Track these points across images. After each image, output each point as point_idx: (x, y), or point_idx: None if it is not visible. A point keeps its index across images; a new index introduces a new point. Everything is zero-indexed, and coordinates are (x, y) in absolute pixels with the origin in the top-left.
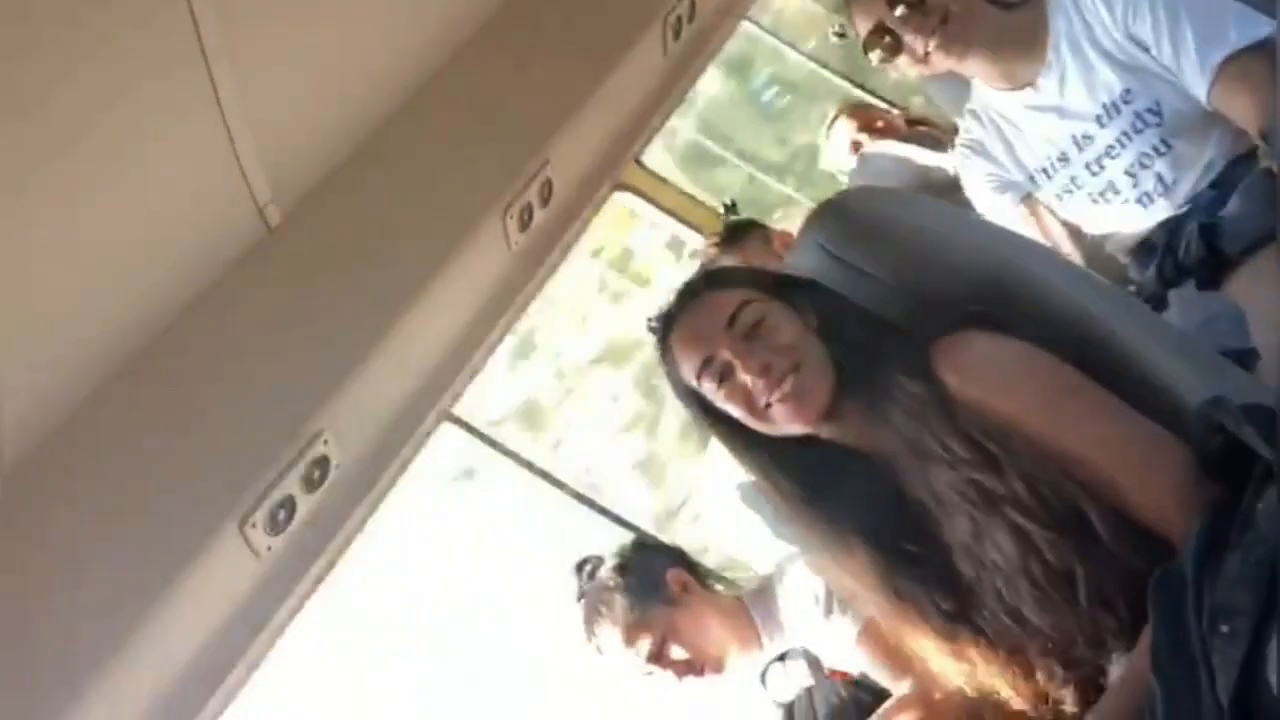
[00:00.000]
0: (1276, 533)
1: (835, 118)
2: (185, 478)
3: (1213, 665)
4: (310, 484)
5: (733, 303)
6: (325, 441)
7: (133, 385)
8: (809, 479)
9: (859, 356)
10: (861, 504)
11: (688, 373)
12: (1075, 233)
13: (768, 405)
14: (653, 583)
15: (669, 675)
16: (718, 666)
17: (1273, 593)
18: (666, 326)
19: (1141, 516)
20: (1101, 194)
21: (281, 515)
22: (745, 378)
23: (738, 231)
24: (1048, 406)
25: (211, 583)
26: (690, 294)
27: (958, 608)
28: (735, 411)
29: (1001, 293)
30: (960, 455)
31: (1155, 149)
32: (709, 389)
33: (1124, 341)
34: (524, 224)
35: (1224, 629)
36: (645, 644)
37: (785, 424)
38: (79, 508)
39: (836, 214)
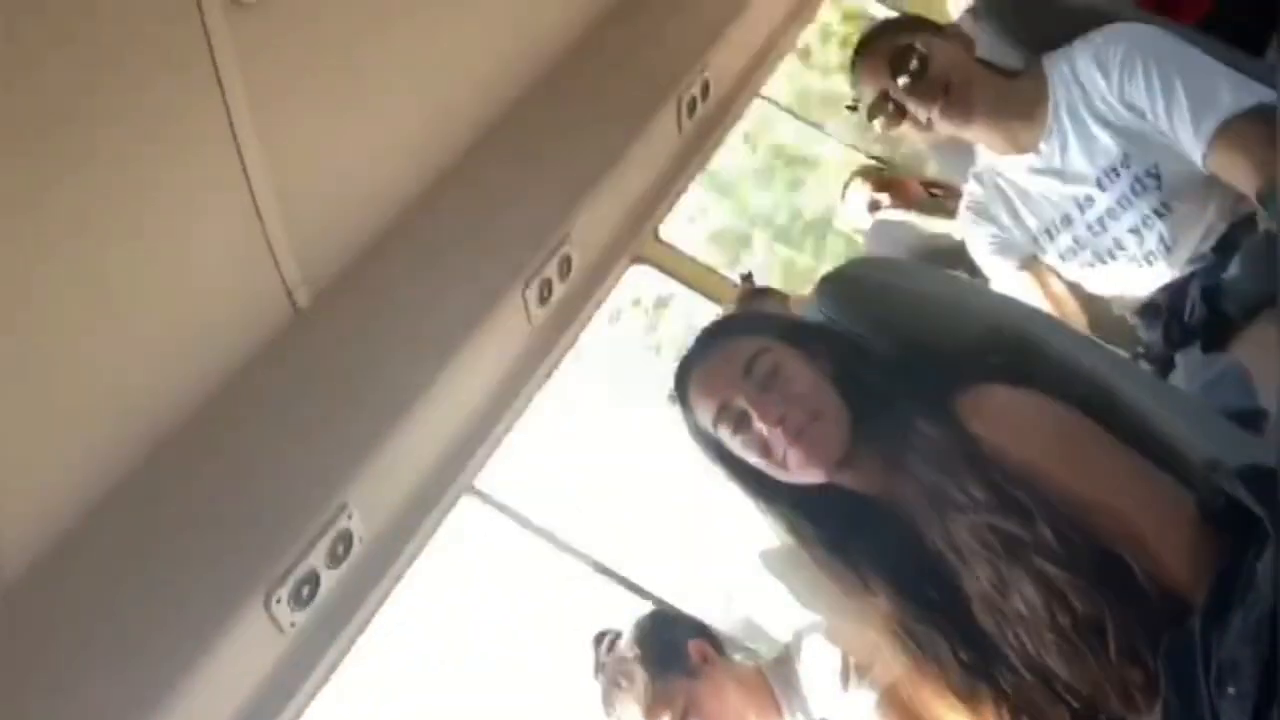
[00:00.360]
0: (1273, 591)
1: (851, 179)
2: (211, 555)
3: None
4: (335, 559)
5: (749, 351)
6: (350, 516)
7: (161, 465)
8: (830, 526)
9: (876, 403)
10: (883, 552)
11: (705, 420)
12: (1080, 294)
13: (784, 454)
14: (673, 654)
15: None
16: None
17: (1274, 651)
18: (684, 372)
19: (1159, 566)
20: (1105, 255)
21: (305, 591)
22: (761, 427)
23: (755, 297)
24: (1074, 455)
25: (237, 659)
26: (708, 340)
27: (979, 660)
28: (752, 460)
29: (1006, 356)
30: (983, 501)
31: (1155, 211)
32: (725, 436)
33: (1129, 404)
34: (543, 298)
35: (1230, 690)
36: (666, 717)
37: (802, 473)
38: (106, 589)
39: (838, 285)
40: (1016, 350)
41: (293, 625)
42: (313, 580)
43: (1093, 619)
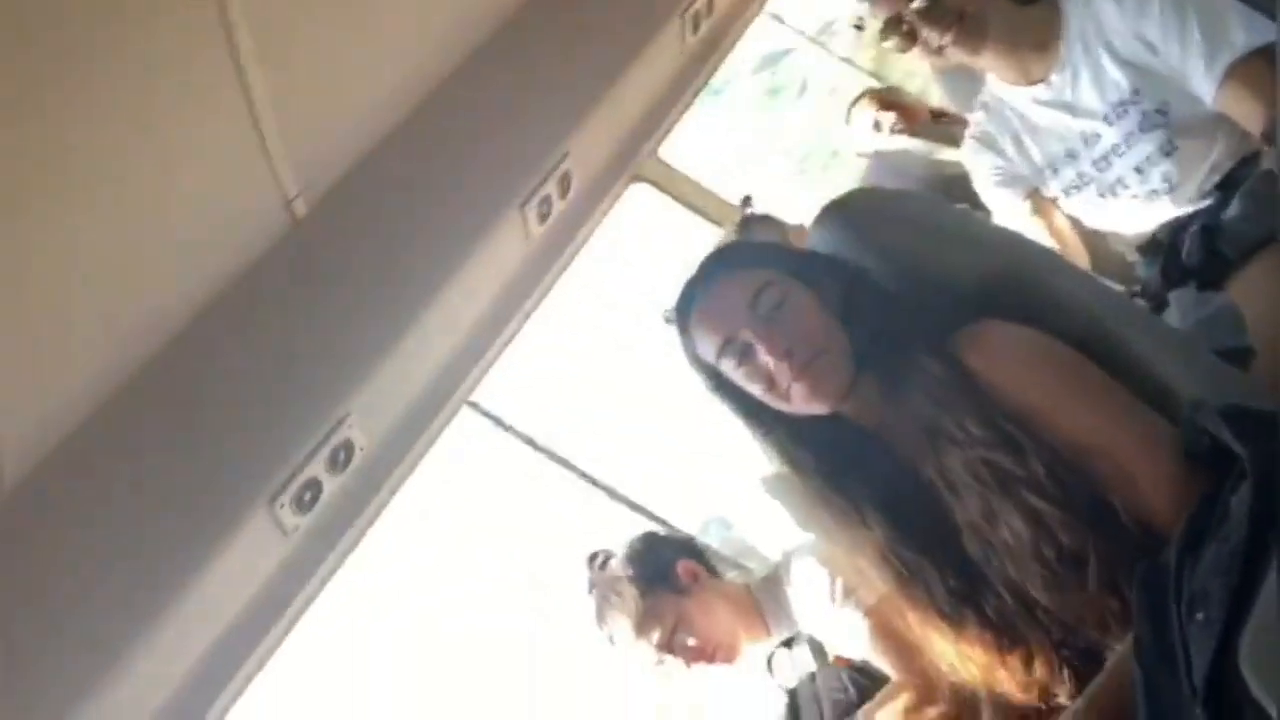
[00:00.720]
0: (1247, 523)
1: (857, 100)
2: (216, 461)
3: (1189, 651)
4: (336, 466)
5: (755, 283)
6: (350, 425)
7: (162, 374)
8: (826, 456)
9: (879, 337)
10: (877, 482)
11: (707, 351)
12: (1081, 229)
13: (789, 387)
14: (662, 573)
15: (679, 663)
16: (728, 654)
17: (1244, 582)
18: (686, 301)
19: (1147, 505)
20: (1108, 191)
21: (308, 496)
22: (768, 360)
23: (755, 224)
24: (1069, 393)
25: (242, 560)
26: (712, 270)
27: (965, 587)
28: (754, 390)
29: (1003, 291)
30: (977, 436)
31: (1162, 148)
32: (728, 367)
33: (1123, 342)
34: (543, 216)
35: (1199, 617)
36: (656, 633)
37: (805, 405)
38: (111, 494)
39: (840, 215)
40: (1017, 287)
41: (296, 528)
42: (315, 486)
43: (1076, 551)
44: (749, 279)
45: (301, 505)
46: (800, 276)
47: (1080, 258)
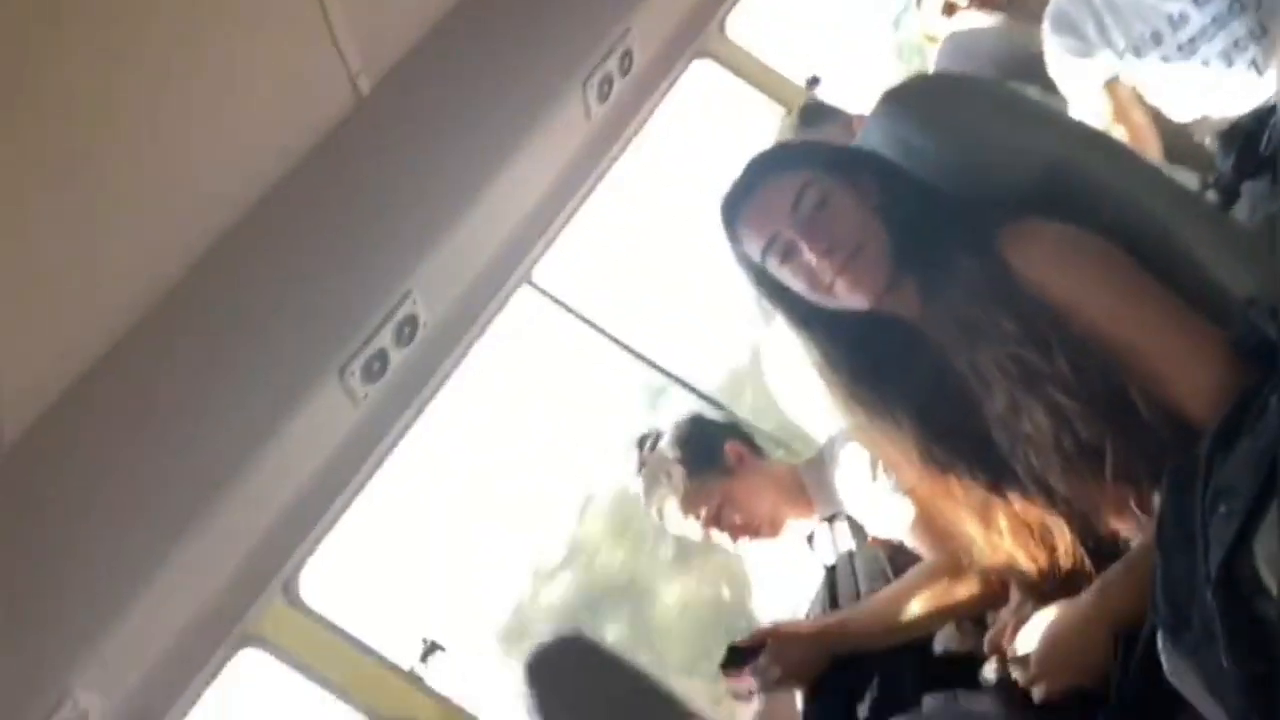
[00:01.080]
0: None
1: None
2: (289, 335)
3: (1209, 540)
4: (401, 340)
5: (796, 184)
6: (414, 301)
7: (235, 253)
8: (862, 353)
9: (920, 233)
10: (910, 378)
11: (753, 250)
12: (1156, 116)
13: (831, 282)
14: (710, 454)
15: (725, 538)
16: (771, 530)
17: (1271, 478)
18: (731, 205)
19: (1182, 407)
20: (1192, 77)
21: (376, 366)
22: (810, 257)
23: (817, 113)
24: (1107, 293)
25: (316, 426)
26: (755, 173)
27: (992, 479)
28: (797, 287)
29: (1061, 185)
30: (1009, 332)
31: (1251, 32)
32: (773, 265)
33: (1180, 244)
34: (604, 94)
35: (1222, 509)
36: (702, 511)
37: (846, 300)
38: (194, 364)
39: (900, 103)
40: (1072, 181)
41: (365, 397)
42: (382, 358)
43: (1094, 444)
44: (791, 180)
45: (370, 375)
46: (841, 175)
47: (1152, 150)
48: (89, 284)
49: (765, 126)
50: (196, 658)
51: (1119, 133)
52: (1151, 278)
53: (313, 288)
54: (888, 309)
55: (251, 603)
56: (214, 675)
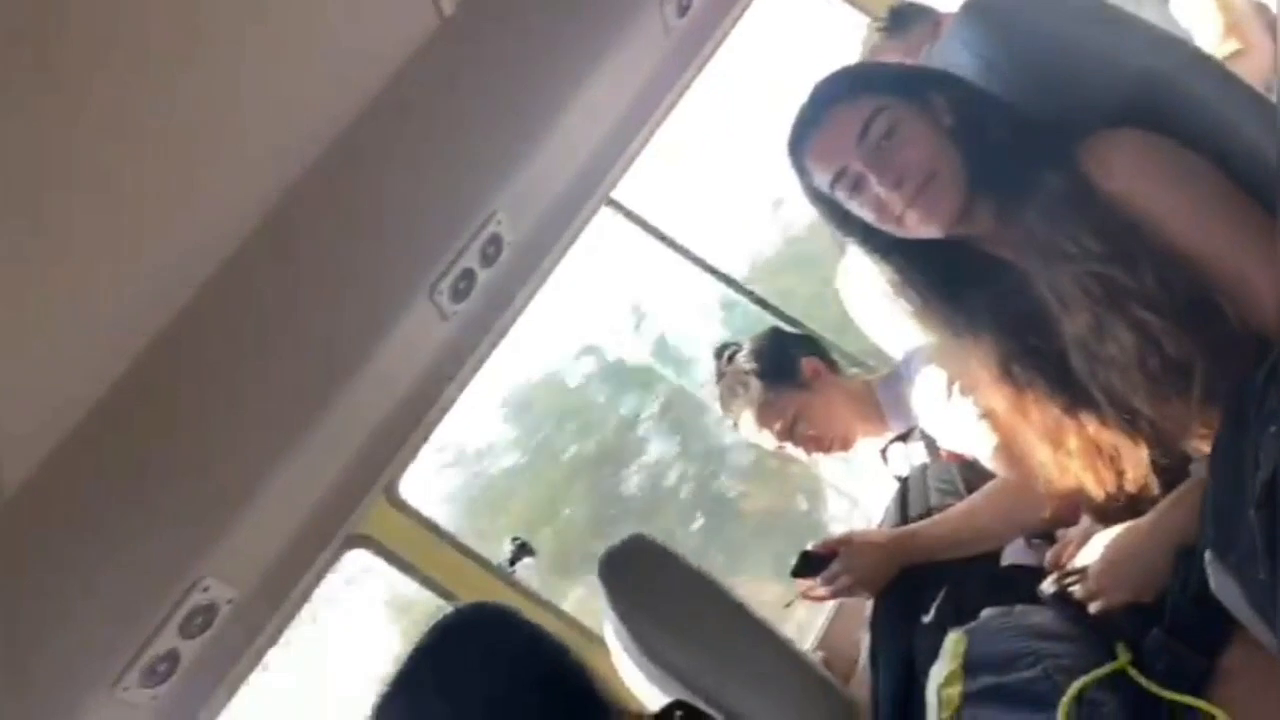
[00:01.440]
0: None
1: None
2: (379, 255)
3: (1258, 460)
4: (486, 259)
5: (864, 112)
6: (499, 221)
7: (325, 182)
8: (939, 276)
9: (995, 153)
10: (989, 300)
11: (822, 183)
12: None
13: (902, 213)
14: (787, 368)
15: (798, 450)
16: (844, 444)
17: None
18: (799, 136)
19: (1264, 319)
20: None
21: (463, 285)
22: (879, 190)
23: (905, 15)
24: (1194, 205)
25: (408, 343)
26: (822, 102)
27: (1069, 402)
28: (868, 218)
29: (1151, 100)
30: (1091, 250)
31: None
32: (843, 197)
33: (1268, 160)
34: (682, 8)
35: (1272, 429)
36: (777, 424)
37: (917, 231)
38: (306, 282)
39: (985, 11)
40: (1163, 100)
41: (454, 314)
42: (469, 277)
43: (1181, 362)
44: (857, 109)
45: (457, 294)
46: (911, 98)
47: (1264, 70)
48: (192, 208)
49: (851, 36)
50: (308, 556)
51: (1230, 46)
52: (1239, 189)
53: (401, 211)
54: (962, 235)
55: (356, 505)
56: (325, 572)
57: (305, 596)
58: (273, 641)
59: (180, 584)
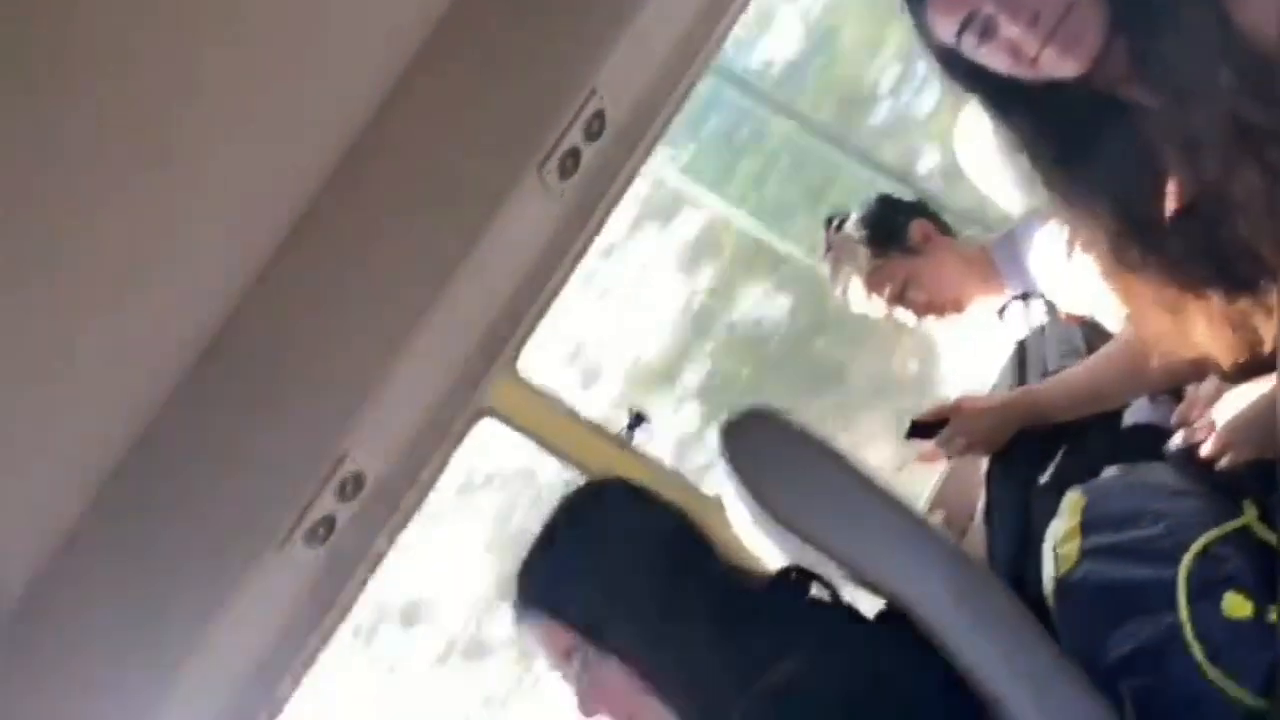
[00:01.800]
0: None
1: None
2: (483, 138)
3: None
4: (591, 135)
5: None
6: (600, 97)
7: (431, 71)
8: (1064, 136)
9: None
10: (1112, 162)
11: (945, 32)
12: None
13: (1038, 53)
14: (896, 234)
15: (909, 315)
16: (957, 307)
17: None
18: None
19: None
20: None
21: (569, 163)
22: (1013, 30)
23: None
24: None
25: (520, 217)
26: None
27: (1191, 278)
28: (998, 65)
29: None
30: (1230, 88)
31: None
32: (969, 46)
33: None
34: None
35: None
36: (886, 289)
37: (1054, 70)
38: (423, 169)
39: None
40: None
41: (561, 192)
42: (574, 154)
43: None
44: None
45: (564, 171)
46: None
47: None
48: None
49: None
50: (441, 428)
51: None
52: None
53: (505, 92)
54: (1097, 81)
55: (483, 378)
56: (458, 443)
57: (442, 466)
58: (416, 508)
59: (331, 454)
